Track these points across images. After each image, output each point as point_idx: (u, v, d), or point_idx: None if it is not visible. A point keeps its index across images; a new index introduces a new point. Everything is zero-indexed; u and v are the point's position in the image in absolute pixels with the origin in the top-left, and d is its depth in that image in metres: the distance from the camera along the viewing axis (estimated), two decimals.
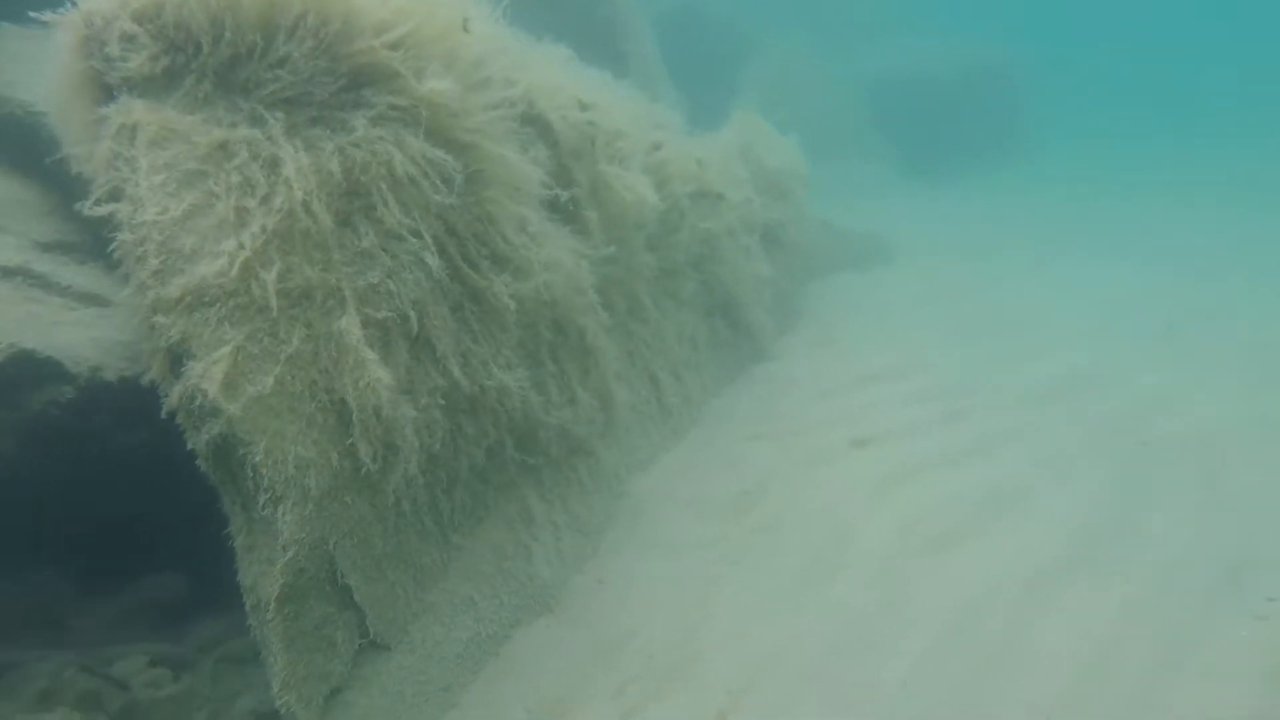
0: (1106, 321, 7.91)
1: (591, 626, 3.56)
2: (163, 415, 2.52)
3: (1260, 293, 8.91)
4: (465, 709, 3.13)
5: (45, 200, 3.94)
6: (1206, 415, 5.51)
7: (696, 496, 4.54)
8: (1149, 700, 2.95)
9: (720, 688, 3.16)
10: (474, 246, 2.92)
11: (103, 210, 2.40)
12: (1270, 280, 9.38)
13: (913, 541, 4.02)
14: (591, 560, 3.96)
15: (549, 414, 3.38)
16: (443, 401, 2.88)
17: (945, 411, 5.63)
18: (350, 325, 2.59)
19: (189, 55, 2.49)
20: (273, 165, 2.51)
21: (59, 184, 3.71)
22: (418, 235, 2.70)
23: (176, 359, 2.45)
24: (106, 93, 2.51)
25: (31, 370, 3.11)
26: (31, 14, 2.47)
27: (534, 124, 3.36)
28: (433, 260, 2.72)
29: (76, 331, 3.47)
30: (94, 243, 3.56)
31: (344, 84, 2.64)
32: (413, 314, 2.72)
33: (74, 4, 2.46)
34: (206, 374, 2.41)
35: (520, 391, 3.12)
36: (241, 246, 2.40)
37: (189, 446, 2.57)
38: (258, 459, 2.52)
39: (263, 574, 2.72)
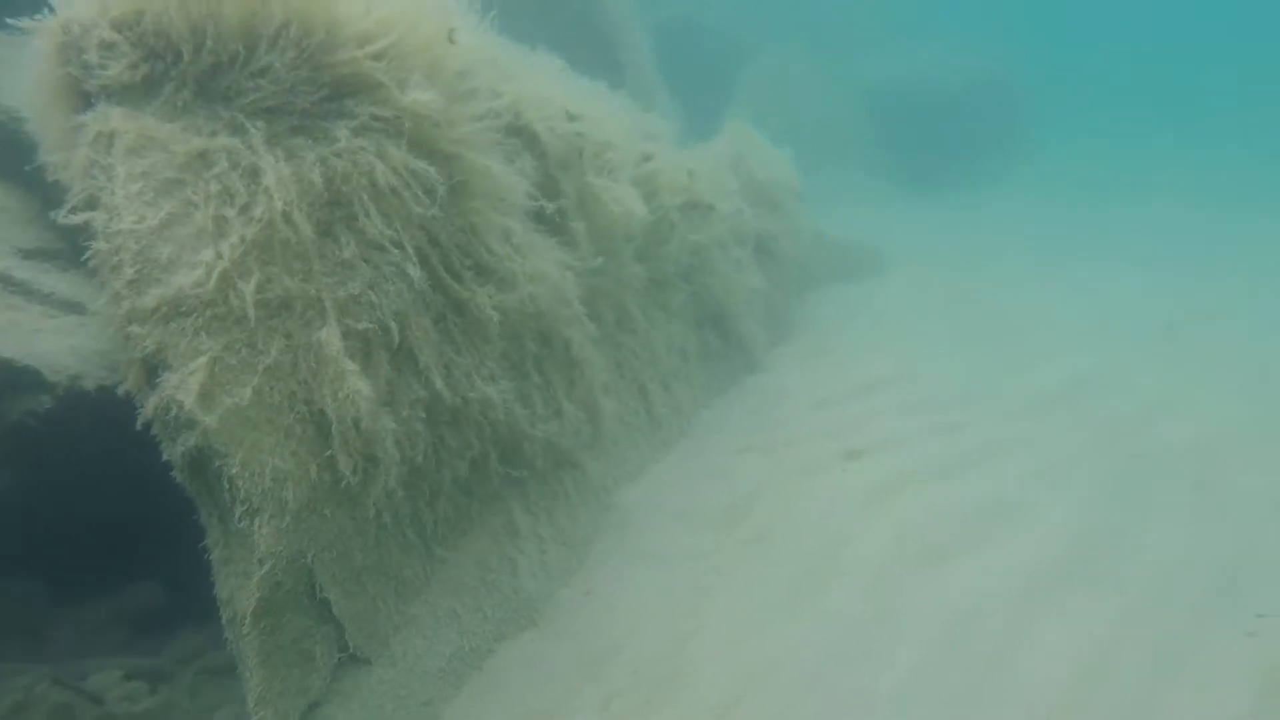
0: (1105, 327, 7.91)
1: (577, 639, 3.52)
2: (138, 427, 2.49)
3: (1261, 295, 8.93)
4: None
5: (27, 206, 3.91)
6: (1205, 422, 5.50)
7: (686, 508, 4.50)
8: (1141, 714, 2.92)
9: (709, 702, 3.12)
10: (457, 257, 2.89)
11: (78, 219, 2.37)
12: (1271, 283, 9.40)
13: (906, 553, 3.99)
14: (578, 572, 3.92)
15: (534, 426, 3.35)
16: (424, 414, 2.85)
17: (940, 421, 5.61)
18: (330, 336, 2.56)
19: (169, 63, 2.47)
20: (253, 175, 2.48)
21: (41, 190, 3.69)
22: (399, 246, 2.68)
23: (152, 369, 2.42)
24: (84, 100, 2.48)
25: (9, 379, 3.07)
26: (9, 20, 2.45)
27: (520, 135, 3.35)
28: (414, 271, 2.69)
29: (56, 340, 3.44)
30: (76, 250, 3.53)
31: (326, 94, 2.62)
32: (394, 325, 2.69)
33: (52, 10, 2.44)
34: (182, 385, 2.37)
35: (504, 404, 3.09)
36: (220, 256, 2.37)
37: (165, 458, 2.54)
38: (234, 471, 2.48)
39: (239, 587, 2.68)
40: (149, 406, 2.44)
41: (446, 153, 2.78)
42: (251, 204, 2.45)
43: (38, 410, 3.20)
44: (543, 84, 3.76)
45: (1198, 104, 23.94)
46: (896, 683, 3.13)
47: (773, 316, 7.09)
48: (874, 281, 9.91)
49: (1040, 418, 5.67)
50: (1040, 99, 21.59)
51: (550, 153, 3.51)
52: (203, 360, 2.38)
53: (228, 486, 2.52)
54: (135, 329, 2.35)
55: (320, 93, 2.60)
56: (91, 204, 2.39)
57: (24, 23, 2.44)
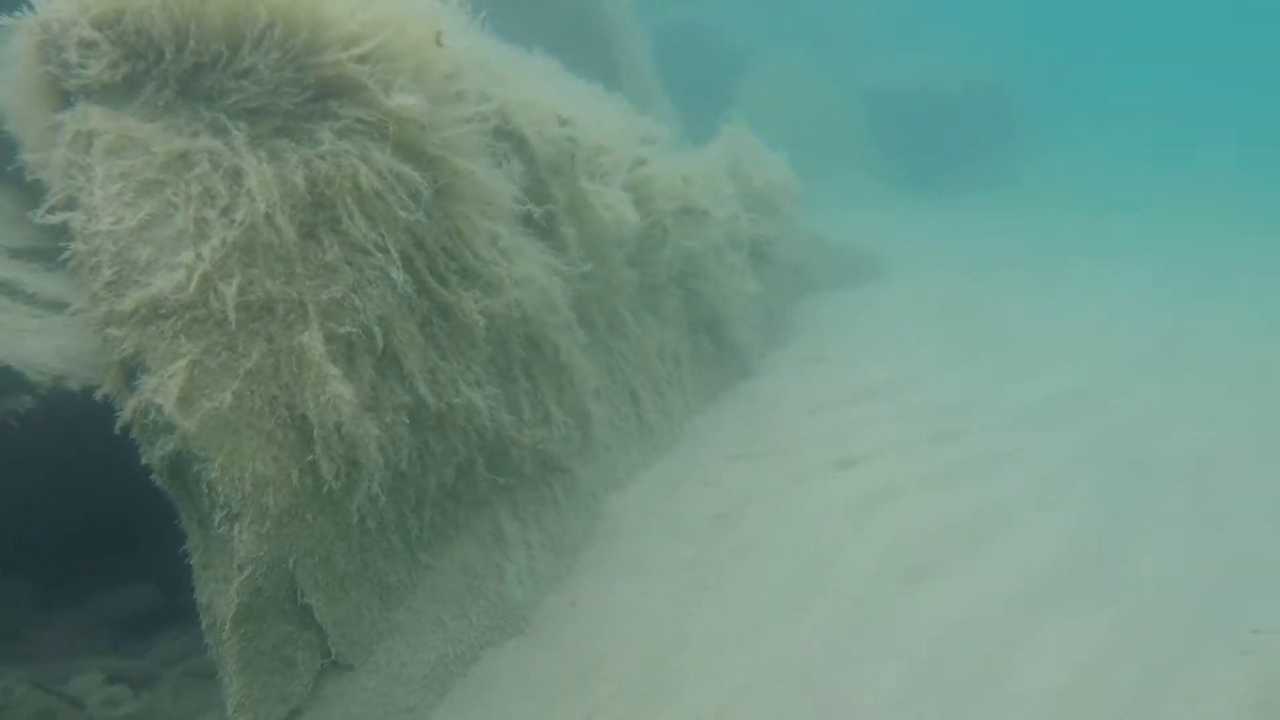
0: (1102, 339, 7.87)
1: (563, 649, 3.48)
2: (116, 430, 2.46)
3: (1259, 311, 8.90)
4: None
5: (17, 205, 3.89)
6: (1203, 436, 5.46)
7: (675, 516, 4.47)
8: None
9: (693, 716, 3.08)
10: (443, 261, 2.86)
11: (56, 219, 2.35)
12: (1269, 298, 9.37)
13: (894, 568, 3.94)
14: (566, 580, 3.89)
15: (521, 433, 3.32)
16: (408, 419, 2.82)
17: (935, 431, 5.57)
18: (312, 340, 2.53)
19: (150, 62, 2.44)
20: (235, 176, 2.45)
21: (33, 189, 3.66)
22: (384, 250, 2.65)
23: (131, 372, 2.39)
24: (64, 99, 2.46)
25: None
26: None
27: (509, 139, 3.32)
28: (398, 275, 2.66)
29: (41, 340, 3.40)
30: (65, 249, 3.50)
31: (311, 95, 2.59)
32: (378, 329, 2.67)
33: (31, 8, 2.41)
34: (161, 388, 2.35)
35: (490, 410, 3.06)
36: (200, 258, 2.34)
37: (143, 461, 2.51)
38: (213, 476, 2.45)
39: (219, 592, 2.65)
40: (128, 410, 2.41)
41: (432, 156, 2.75)
42: (233, 206, 2.42)
43: (19, 411, 3.17)
44: (535, 87, 3.73)
45: (1198, 116, 23.97)
46: (883, 698, 3.09)
47: (769, 322, 7.06)
48: (872, 287, 9.87)
49: (1036, 428, 5.64)
50: (1040, 102, 21.61)
51: (539, 157, 3.48)
52: (182, 363, 2.35)
53: (207, 491, 2.49)
54: (113, 331, 2.32)
55: (304, 94, 2.58)
56: (70, 204, 2.36)
57: (3, 20, 2.41)
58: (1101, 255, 12.08)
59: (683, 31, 14.04)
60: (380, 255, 2.65)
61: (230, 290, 2.39)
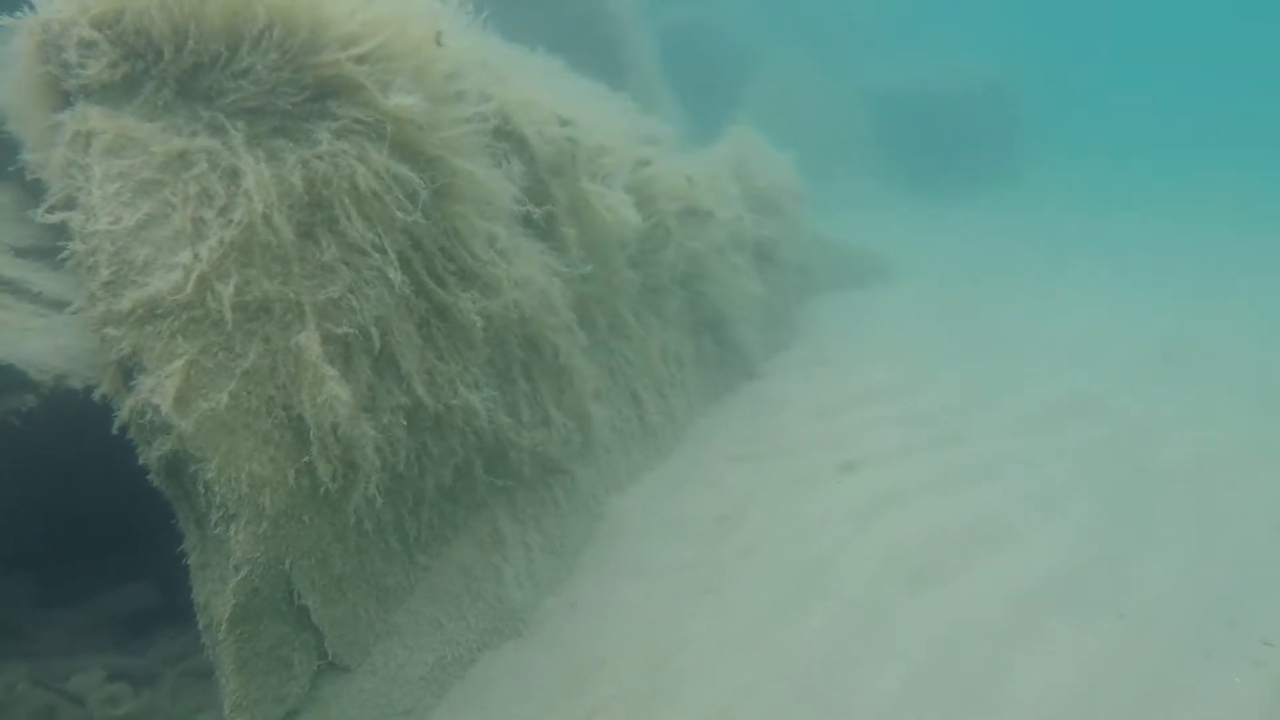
0: (1106, 343, 7.83)
1: (561, 652, 3.47)
2: (114, 430, 2.46)
3: (1262, 314, 8.84)
4: None
5: (22, 204, 3.90)
6: (1206, 443, 5.42)
7: (677, 518, 4.45)
8: None
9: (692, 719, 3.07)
10: (441, 262, 2.86)
11: (55, 218, 2.35)
12: (1269, 299, 9.31)
13: (896, 571, 3.92)
14: (565, 582, 3.87)
15: (520, 435, 3.31)
16: (405, 420, 2.81)
17: (938, 435, 5.54)
18: (309, 340, 2.52)
19: (149, 62, 2.44)
20: (233, 176, 2.45)
21: (37, 188, 3.67)
22: (381, 250, 2.64)
23: (128, 372, 2.39)
24: (64, 99, 2.46)
25: None
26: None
27: (509, 139, 3.31)
28: (395, 275, 2.65)
29: (44, 339, 3.41)
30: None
31: (309, 95, 2.59)
32: (375, 330, 2.66)
33: (32, 8, 2.42)
34: (158, 388, 2.34)
35: (487, 412, 3.04)
36: (197, 258, 2.34)
37: (141, 461, 2.51)
38: (210, 476, 2.45)
39: (215, 593, 2.65)
40: (125, 409, 2.41)
41: (430, 156, 2.75)
42: (231, 206, 2.42)
43: (21, 409, 3.18)
44: (537, 87, 3.72)
45: (1200, 116, 23.89)
46: (883, 701, 3.08)
47: (772, 323, 7.03)
48: (877, 289, 9.84)
49: (1039, 432, 5.60)
50: (1042, 102, 21.56)
51: (540, 157, 3.47)
52: (179, 363, 2.35)
53: (204, 491, 2.49)
54: (111, 331, 2.32)
55: (303, 94, 2.57)
56: (69, 204, 2.37)
57: (4, 20, 2.42)
58: (1103, 255, 12.05)
59: (687, 32, 14.04)
60: (377, 256, 2.64)
61: (227, 290, 2.39)
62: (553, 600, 3.75)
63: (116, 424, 2.45)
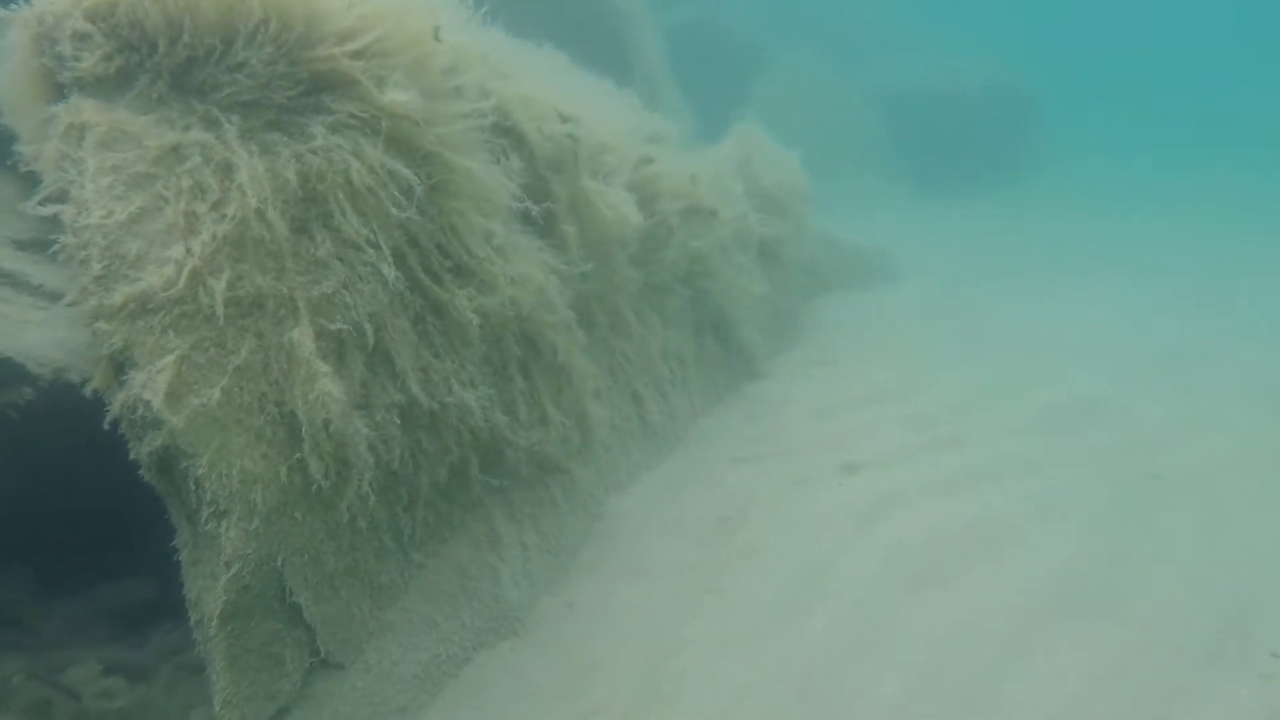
0: (1108, 344, 7.76)
1: (557, 652, 3.45)
2: (105, 425, 2.45)
3: (1263, 315, 8.76)
4: None
5: (22, 197, 3.90)
6: (1214, 448, 5.34)
7: (677, 518, 4.42)
8: None
9: None
10: (436, 258, 2.83)
11: (47, 211, 2.34)
12: (1274, 303, 9.22)
13: (896, 577, 3.87)
14: (563, 582, 3.85)
15: (516, 434, 3.28)
16: (400, 418, 2.79)
17: (942, 437, 5.48)
18: (303, 336, 2.51)
19: (143, 55, 2.43)
20: (226, 170, 2.44)
21: (38, 180, 3.67)
22: (376, 246, 2.62)
23: (119, 367, 2.38)
24: (59, 91, 2.45)
25: None
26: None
27: (508, 135, 3.29)
28: (389, 272, 2.63)
29: (43, 332, 3.41)
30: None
31: (304, 89, 2.57)
32: (369, 326, 2.64)
33: (27, 0, 2.41)
34: (149, 384, 2.33)
35: (483, 410, 3.02)
36: (190, 253, 2.33)
37: (132, 456, 2.50)
38: (201, 472, 2.44)
39: (207, 589, 2.64)
40: (116, 404, 2.41)
41: (427, 151, 2.72)
42: (224, 200, 2.40)
43: (19, 403, 3.18)
44: (539, 82, 3.69)
45: (1214, 118, 23.74)
46: (883, 705, 3.04)
47: (777, 323, 6.99)
48: (885, 289, 9.78)
49: (1044, 437, 5.53)
50: (1054, 114, 21.45)
51: (539, 154, 3.44)
52: (170, 359, 2.33)
53: (195, 488, 2.48)
54: (102, 325, 2.31)
55: (298, 88, 2.56)
56: (63, 197, 2.36)
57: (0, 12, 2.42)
58: (1106, 256, 11.99)
59: (696, 29, 13.99)
60: (372, 251, 2.62)
61: (220, 285, 2.37)
62: (550, 600, 3.72)
63: (108, 419, 2.45)
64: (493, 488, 3.38)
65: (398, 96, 2.56)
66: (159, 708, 3.37)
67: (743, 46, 15.06)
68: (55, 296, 3.64)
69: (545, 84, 3.72)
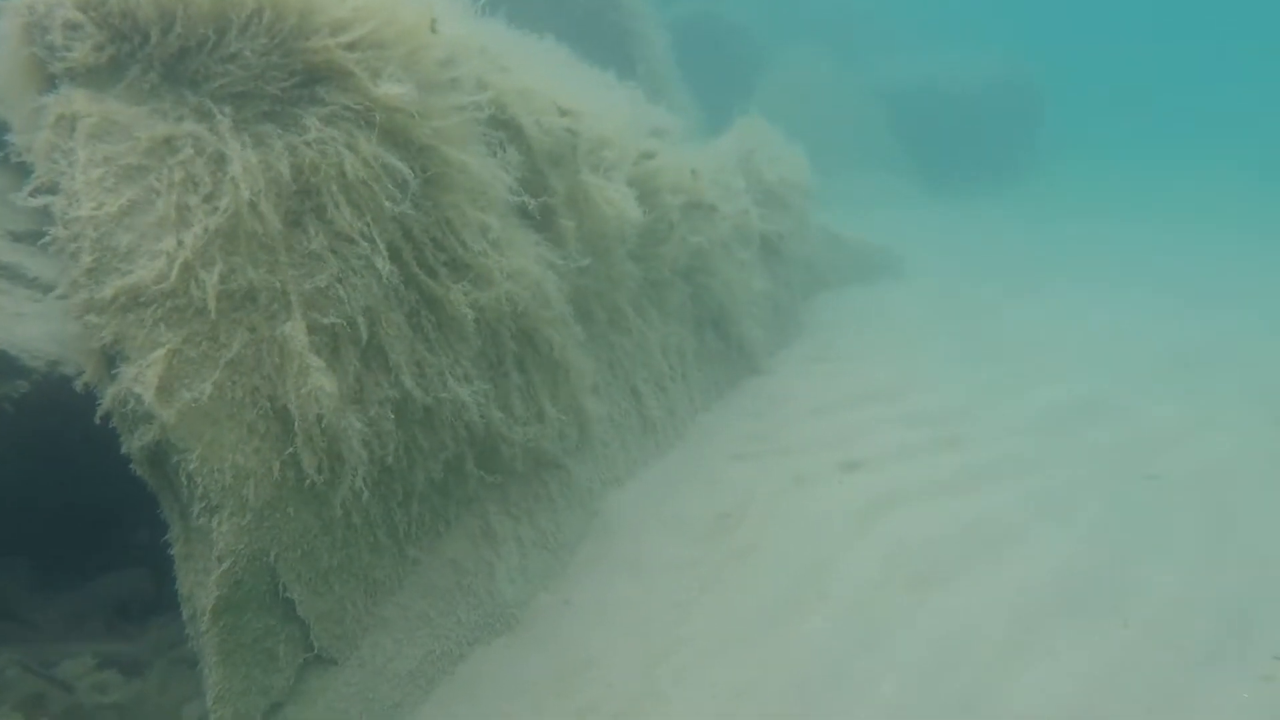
0: (1116, 347, 7.72)
1: (553, 649, 3.43)
2: (96, 419, 2.43)
3: (1264, 317, 8.72)
4: None
5: (18, 188, 3.88)
6: (1214, 449, 5.31)
7: (675, 516, 4.40)
8: None
9: None
10: (431, 252, 2.81)
11: (38, 202, 2.32)
12: (1276, 305, 9.17)
13: (894, 577, 3.85)
14: (560, 578, 3.83)
15: (512, 429, 3.26)
16: (394, 413, 2.77)
17: (942, 436, 5.46)
18: (295, 330, 2.48)
19: (135, 45, 2.40)
20: (219, 162, 2.41)
21: (32, 171, 3.65)
22: (369, 239, 2.59)
23: (110, 360, 2.36)
24: (50, 81, 2.43)
25: None
26: None
27: (505, 128, 3.25)
28: (384, 265, 2.61)
29: (39, 324, 3.39)
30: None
31: (298, 80, 2.54)
32: (363, 321, 2.61)
33: None
34: (140, 377, 2.31)
35: (478, 405, 3.00)
36: (181, 245, 2.30)
37: (124, 450, 2.48)
38: (193, 467, 2.42)
39: (199, 584, 2.63)
40: (107, 398, 2.39)
41: (422, 144, 2.69)
42: (217, 192, 2.38)
43: (13, 395, 3.16)
44: (538, 75, 3.65)
45: (1219, 118, 23.66)
46: (881, 706, 3.02)
47: (779, 319, 6.96)
48: (885, 285, 9.75)
49: (1046, 437, 5.50)
50: (1060, 112, 21.39)
51: (536, 147, 3.41)
52: (161, 353, 2.31)
53: (186, 482, 2.46)
54: (93, 318, 2.29)
55: (291, 79, 2.53)
56: (52, 189, 2.33)
57: None
58: (1108, 256, 11.98)
59: (700, 23, 13.96)
60: (366, 245, 2.59)
61: (212, 279, 2.35)
62: (546, 596, 3.71)
63: (100, 413, 2.43)
64: (489, 483, 3.36)
65: (392, 89, 2.53)
66: (153, 702, 3.36)
67: (748, 41, 15.01)
68: (51, 289, 3.62)
69: (545, 77, 3.68)
